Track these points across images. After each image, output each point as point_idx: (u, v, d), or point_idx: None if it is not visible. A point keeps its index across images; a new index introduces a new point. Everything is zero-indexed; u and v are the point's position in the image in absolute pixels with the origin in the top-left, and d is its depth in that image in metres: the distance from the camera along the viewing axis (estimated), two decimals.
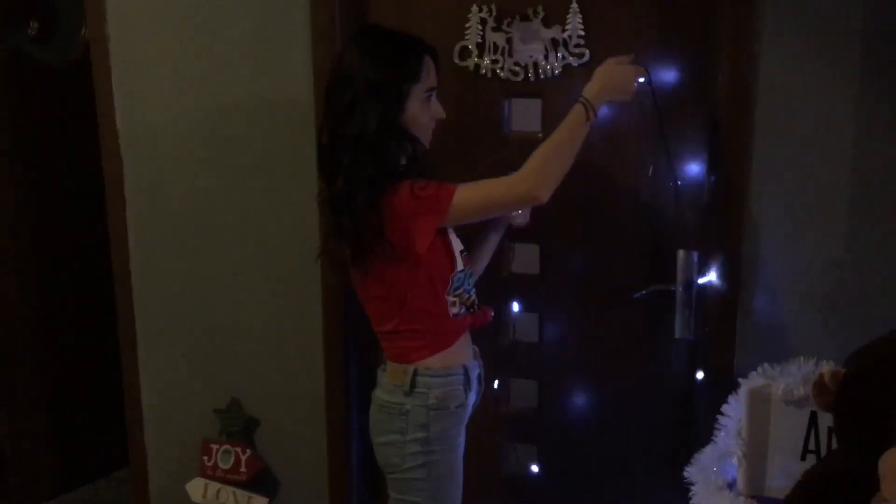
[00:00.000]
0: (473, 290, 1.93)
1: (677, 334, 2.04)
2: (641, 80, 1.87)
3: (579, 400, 2.25)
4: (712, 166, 2.03)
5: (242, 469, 2.49)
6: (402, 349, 1.85)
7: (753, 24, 1.88)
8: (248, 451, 2.49)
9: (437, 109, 1.85)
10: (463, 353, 1.88)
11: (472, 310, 1.90)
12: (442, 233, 1.81)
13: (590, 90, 1.79)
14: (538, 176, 1.72)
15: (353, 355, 2.42)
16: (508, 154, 2.12)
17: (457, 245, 1.87)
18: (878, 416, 1.44)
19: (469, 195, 1.75)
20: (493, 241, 2.10)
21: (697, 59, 1.99)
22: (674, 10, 2.01)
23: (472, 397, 1.91)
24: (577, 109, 1.76)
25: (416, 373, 1.81)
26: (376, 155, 1.75)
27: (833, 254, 1.90)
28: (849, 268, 1.89)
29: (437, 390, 1.81)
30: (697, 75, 2.00)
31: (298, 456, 2.52)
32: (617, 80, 1.82)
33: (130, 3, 2.45)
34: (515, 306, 2.27)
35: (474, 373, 1.91)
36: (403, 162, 1.81)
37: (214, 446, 2.51)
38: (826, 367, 1.57)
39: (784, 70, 1.87)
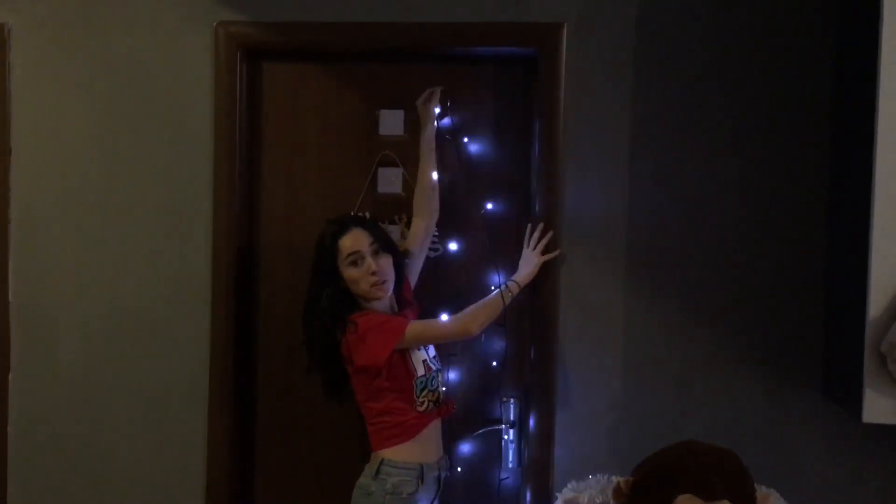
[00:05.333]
0: (442, 386, 2.42)
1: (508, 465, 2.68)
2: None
3: None
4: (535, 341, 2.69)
5: None
6: (375, 439, 2.32)
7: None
8: None
9: (369, 266, 2.34)
10: (423, 450, 2.33)
11: (438, 404, 2.38)
12: (398, 351, 2.31)
13: (520, 276, 2.46)
14: (474, 323, 2.35)
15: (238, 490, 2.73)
16: None
17: (418, 356, 2.36)
18: None
19: (418, 332, 2.33)
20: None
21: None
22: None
23: (427, 494, 2.34)
24: (498, 295, 2.40)
25: (382, 462, 2.25)
26: (328, 314, 2.31)
27: (613, 398, 2.61)
28: (624, 407, 2.60)
29: (394, 478, 2.25)
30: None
31: None
32: (533, 268, 2.48)
33: (34, 183, 2.70)
34: None
35: (431, 473, 2.34)
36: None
37: None
38: (621, 478, 2.11)
39: None
